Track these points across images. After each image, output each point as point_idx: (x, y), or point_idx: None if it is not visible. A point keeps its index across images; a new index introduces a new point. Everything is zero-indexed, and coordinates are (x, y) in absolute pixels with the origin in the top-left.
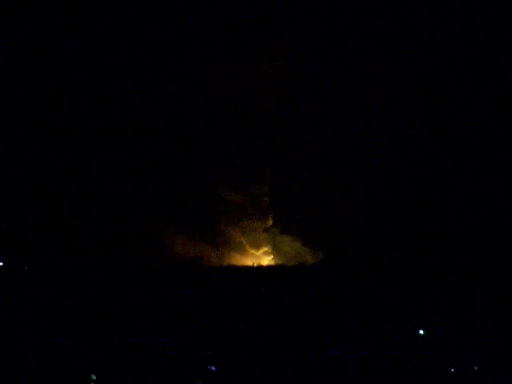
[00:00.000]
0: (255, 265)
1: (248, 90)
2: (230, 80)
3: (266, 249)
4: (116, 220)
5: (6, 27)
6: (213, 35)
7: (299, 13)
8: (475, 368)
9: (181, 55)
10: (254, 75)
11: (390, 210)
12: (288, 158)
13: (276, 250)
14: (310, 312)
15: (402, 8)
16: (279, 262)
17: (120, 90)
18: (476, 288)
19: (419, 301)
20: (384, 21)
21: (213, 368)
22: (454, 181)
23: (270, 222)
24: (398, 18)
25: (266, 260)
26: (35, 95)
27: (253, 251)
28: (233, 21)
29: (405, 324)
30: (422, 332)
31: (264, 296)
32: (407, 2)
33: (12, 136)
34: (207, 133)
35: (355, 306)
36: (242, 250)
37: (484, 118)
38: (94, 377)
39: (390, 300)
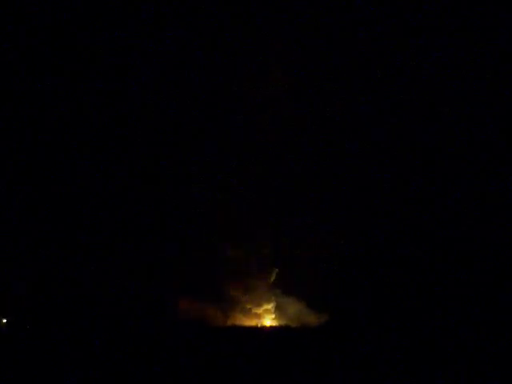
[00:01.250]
0: (259, 325)
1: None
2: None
3: (267, 307)
4: (119, 281)
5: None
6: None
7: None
8: None
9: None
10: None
11: (394, 272)
12: (291, 215)
13: (279, 311)
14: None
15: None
16: (282, 323)
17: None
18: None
19: (425, 366)
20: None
21: None
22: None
23: (272, 279)
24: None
25: (269, 319)
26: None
27: (255, 310)
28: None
29: None
30: None
31: (269, 359)
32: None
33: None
34: (206, 190)
35: (360, 372)
36: (244, 309)
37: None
38: None
39: (395, 367)
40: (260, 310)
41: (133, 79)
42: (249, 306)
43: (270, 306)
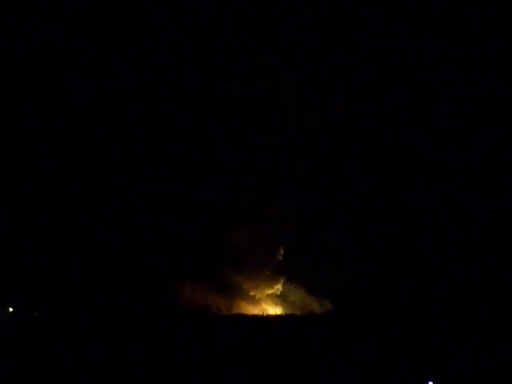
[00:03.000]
0: (264, 314)
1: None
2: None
3: (269, 291)
4: (122, 267)
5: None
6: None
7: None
8: None
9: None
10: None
11: (396, 260)
12: (297, 202)
13: (282, 298)
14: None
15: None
16: (287, 311)
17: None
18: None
19: (427, 351)
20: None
21: None
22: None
23: (277, 260)
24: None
25: (272, 305)
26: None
27: (258, 295)
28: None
29: (412, 375)
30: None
31: (274, 346)
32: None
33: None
34: (215, 179)
35: (363, 359)
36: (247, 296)
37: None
38: None
39: (396, 351)
40: (263, 295)
41: (133, 79)
42: (252, 294)
43: (271, 291)
